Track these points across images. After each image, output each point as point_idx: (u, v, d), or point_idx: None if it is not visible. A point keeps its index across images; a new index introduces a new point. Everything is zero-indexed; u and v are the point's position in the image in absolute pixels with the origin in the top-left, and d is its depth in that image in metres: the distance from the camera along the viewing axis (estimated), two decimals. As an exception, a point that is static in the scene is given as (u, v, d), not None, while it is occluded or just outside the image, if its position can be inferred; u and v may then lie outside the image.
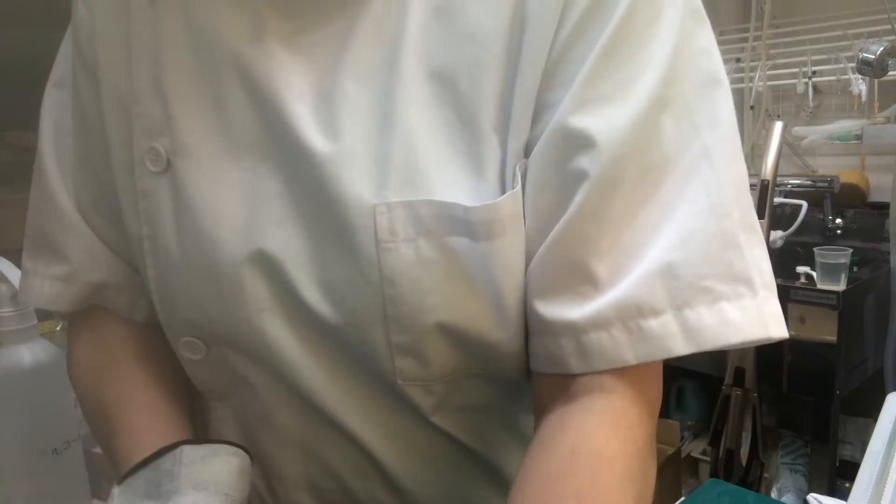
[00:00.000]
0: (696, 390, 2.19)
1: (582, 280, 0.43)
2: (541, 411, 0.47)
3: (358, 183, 0.45)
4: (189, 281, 0.51)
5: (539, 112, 0.44)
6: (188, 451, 0.48)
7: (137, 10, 0.52)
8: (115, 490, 0.48)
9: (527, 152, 0.45)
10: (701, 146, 0.43)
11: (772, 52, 2.17)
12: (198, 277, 0.51)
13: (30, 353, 0.73)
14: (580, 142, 0.42)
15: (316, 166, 0.46)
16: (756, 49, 2.18)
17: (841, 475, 1.81)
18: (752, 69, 2.19)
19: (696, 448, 2.15)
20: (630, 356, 0.42)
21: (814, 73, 2.09)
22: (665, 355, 0.42)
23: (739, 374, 1.84)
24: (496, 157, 0.45)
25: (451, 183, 0.45)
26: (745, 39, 2.20)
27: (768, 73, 2.18)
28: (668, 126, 0.43)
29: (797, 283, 1.76)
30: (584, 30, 0.43)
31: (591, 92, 0.43)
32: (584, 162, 0.42)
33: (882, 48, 1.78)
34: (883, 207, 1.93)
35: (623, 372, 0.44)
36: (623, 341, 0.42)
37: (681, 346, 0.42)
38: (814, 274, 1.74)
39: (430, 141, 0.45)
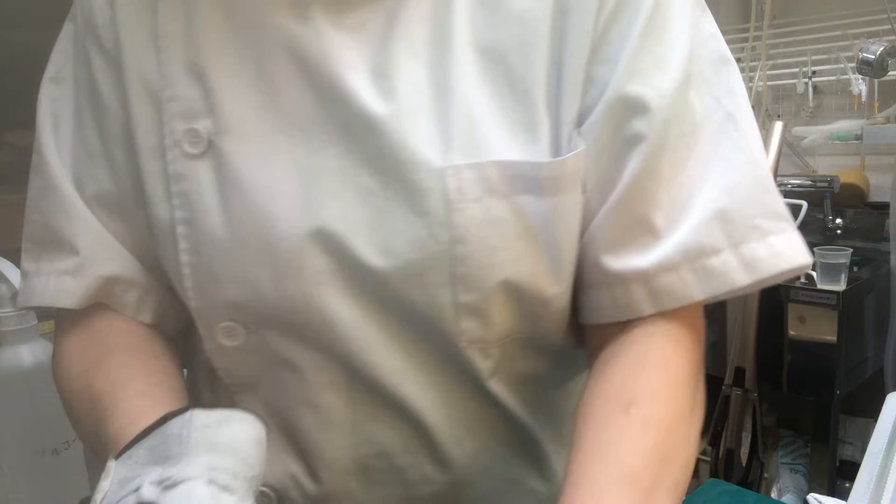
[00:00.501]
0: (696, 390, 2.19)
1: (644, 232, 0.49)
2: (600, 349, 0.52)
3: (425, 147, 0.48)
4: (238, 260, 0.51)
5: (586, 86, 0.50)
6: (199, 414, 0.43)
7: None
8: (111, 463, 0.42)
9: (579, 122, 0.50)
10: (724, 112, 0.51)
11: (772, 51, 2.17)
12: (250, 256, 0.50)
13: (30, 353, 0.74)
14: (636, 107, 0.48)
15: (380, 134, 0.48)
16: (756, 49, 2.18)
17: (841, 475, 1.81)
18: (752, 69, 2.19)
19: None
20: (698, 293, 0.48)
21: (814, 72, 2.09)
22: (728, 288, 0.48)
23: (739, 374, 1.84)
24: (547, 125, 0.50)
25: (509, 147, 0.49)
26: (745, 39, 2.20)
27: (768, 72, 2.18)
28: (694, 97, 0.50)
29: (797, 283, 1.76)
30: (619, 14, 0.50)
31: (638, 65, 0.49)
32: (640, 125, 0.48)
33: (882, 48, 1.78)
34: (883, 207, 1.93)
35: (677, 308, 0.49)
36: (690, 281, 0.48)
37: (742, 278, 0.48)
38: (814, 274, 1.74)
39: (486, 109, 0.49)
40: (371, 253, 0.49)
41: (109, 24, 0.54)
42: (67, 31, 0.58)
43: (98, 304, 0.56)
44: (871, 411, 0.89)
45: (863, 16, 1.98)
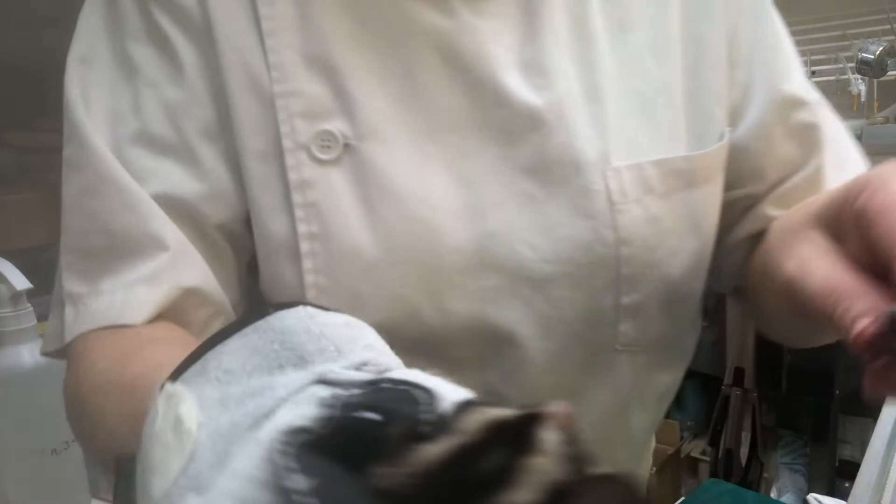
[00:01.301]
0: (696, 390, 2.19)
1: (818, 190, 0.54)
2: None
3: (588, 148, 0.47)
4: (388, 279, 0.45)
5: (730, 88, 0.53)
6: (315, 311, 0.29)
7: None
8: (172, 388, 0.27)
9: (730, 120, 0.53)
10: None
11: (771, 52, 2.17)
12: (405, 274, 0.45)
13: (30, 353, 0.73)
14: (797, 102, 0.54)
15: (542, 135, 0.46)
16: (756, 49, 2.18)
17: (841, 475, 1.81)
18: (752, 69, 2.19)
19: (696, 448, 2.15)
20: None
21: (813, 73, 2.09)
22: None
23: (739, 373, 1.84)
24: (683, 117, 0.51)
25: (658, 144, 0.49)
26: (745, 39, 2.20)
27: (768, 73, 2.18)
28: None
29: (797, 283, 1.76)
30: (743, 18, 0.54)
31: (778, 66, 0.55)
32: (807, 116, 0.54)
33: (881, 48, 1.78)
34: (882, 207, 1.93)
35: None
36: None
37: None
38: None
39: (630, 106, 0.49)
40: (538, 261, 0.47)
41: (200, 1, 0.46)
42: (95, 4, 0.49)
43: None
44: (871, 411, 0.89)
45: (862, 16, 1.98)
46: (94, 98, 0.47)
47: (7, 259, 0.75)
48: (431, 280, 0.45)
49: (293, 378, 0.25)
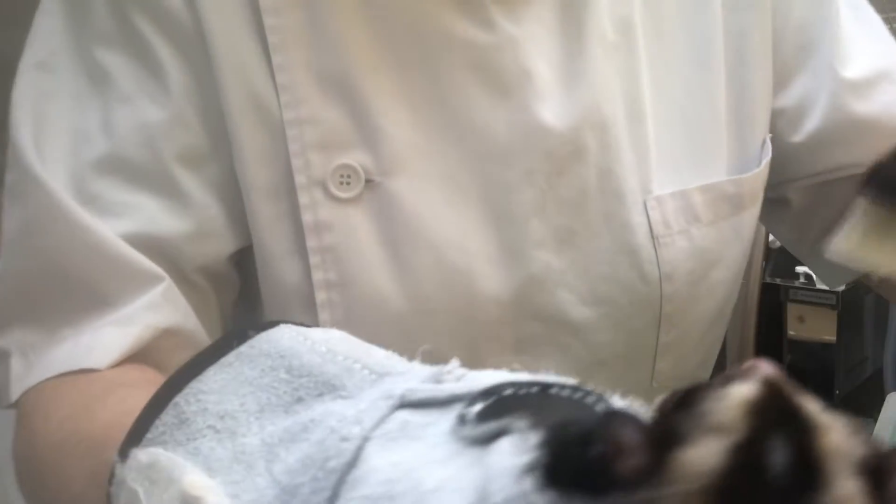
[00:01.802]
0: (696, 390, 2.20)
1: None
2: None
3: (629, 176, 0.43)
4: (416, 331, 0.40)
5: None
6: (304, 329, 0.26)
7: None
8: (140, 456, 0.22)
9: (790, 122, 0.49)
10: None
11: (771, 52, 2.17)
12: (436, 325, 0.40)
13: (30, 353, 0.73)
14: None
15: (586, 163, 0.42)
16: (756, 49, 2.17)
17: (840, 475, 1.81)
18: (752, 69, 2.19)
19: (696, 448, 2.15)
20: None
21: (813, 73, 2.09)
22: None
23: (739, 373, 1.84)
24: (725, 138, 0.47)
25: (704, 163, 0.46)
26: (745, 39, 2.20)
27: (768, 73, 2.18)
28: None
29: (796, 283, 1.76)
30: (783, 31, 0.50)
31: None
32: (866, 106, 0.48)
33: (882, 48, 1.78)
34: (883, 207, 1.93)
35: None
36: None
37: None
38: (813, 274, 1.74)
39: (671, 126, 0.45)
40: (578, 304, 0.43)
41: (189, 4, 0.38)
42: (53, 3, 0.42)
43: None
44: (871, 411, 0.89)
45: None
46: (52, 113, 0.40)
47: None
48: (465, 332, 0.41)
49: (343, 407, 0.20)
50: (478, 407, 0.19)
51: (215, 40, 0.38)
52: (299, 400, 0.21)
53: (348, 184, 0.39)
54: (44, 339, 0.38)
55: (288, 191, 0.39)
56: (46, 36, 0.41)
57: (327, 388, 0.21)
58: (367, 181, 0.39)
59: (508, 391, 0.19)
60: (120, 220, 0.38)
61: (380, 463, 0.17)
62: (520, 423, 0.18)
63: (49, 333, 0.38)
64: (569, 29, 0.42)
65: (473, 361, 0.34)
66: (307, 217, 0.39)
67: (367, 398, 0.20)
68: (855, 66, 0.48)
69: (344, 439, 0.18)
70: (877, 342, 1.86)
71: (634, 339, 0.45)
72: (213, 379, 0.23)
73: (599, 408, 0.19)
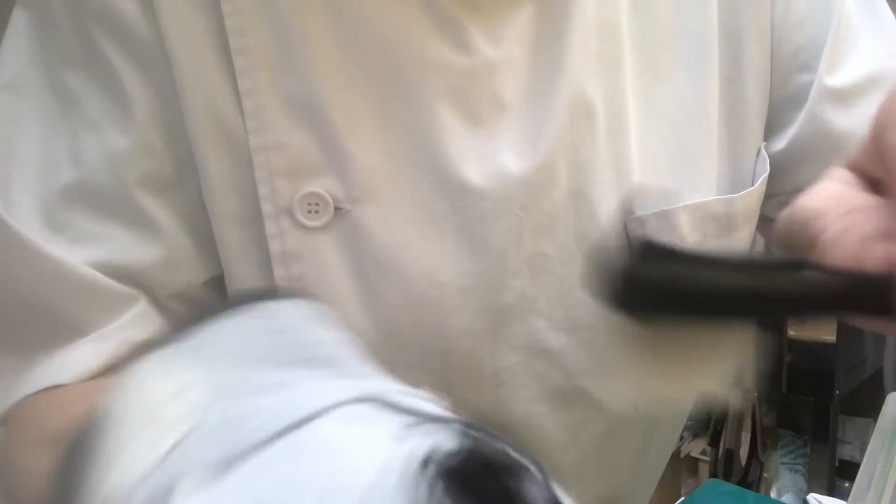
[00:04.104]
0: (696, 390, 2.20)
1: None
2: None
3: (607, 195, 0.40)
4: (387, 363, 0.35)
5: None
6: (309, 306, 0.27)
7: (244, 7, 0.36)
8: (155, 357, 0.24)
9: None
10: None
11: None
12: (408, 360, 0.39)
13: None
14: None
15: (559, 187, 0.39)
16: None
17: (841, 475, 1.81)
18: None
19: (696, 448, 2.15)
20: None
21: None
22: None
23: (738, 373, 1.84)
24: (715, 155, 0.44)
25: (692, 180, 0.43)
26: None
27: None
28: None
29: (797, 283, 1.76)
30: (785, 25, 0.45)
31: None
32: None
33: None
34: (883, 207, 1.93)
35: None
36: None
37: None
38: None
39: (658, 143, 0.42)
40: (552, 332, 0.41)
41: (140, 13, 0.36)
42: (21, 20, 0.39)
43: None
44: (871, 411, 0.89)
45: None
46: (19, 137, 0.38)
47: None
48: (438, 365, 0.39)
49: (332, 385, 0.21)
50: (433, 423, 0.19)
51: (179, 61, 0.36)
52: (298, 362, 0.22)
53: (317, 212, 0.38)
54: (19, 364, 0.37)
55: (255, 219, 0.38)
56: (14, 55, 0.39)
57: (324, 363, 0.22)
58: (337, 209, 0.38)
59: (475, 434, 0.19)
60: (89, 250, 0.37)
61: (323, 435, 0.18)
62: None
63: (24, 359, 0.37)
64: (549, 44, 0.40)
65: (450, 394, 0.33)
66: (275, 246, 0.37)
67: (346, 384, 0.20)
68: (845, 72, 0.44)
69: (307, 401, 0.19)
70: (877, 342, 1.85)
71: (615, 364, 0.42)
72: (226, 325, 0.23)
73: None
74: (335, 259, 0.38)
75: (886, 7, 0.46)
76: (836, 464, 1.81)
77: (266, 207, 0.37)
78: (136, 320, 0.37)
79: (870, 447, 0.72)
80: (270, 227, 0.37)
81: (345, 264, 0.38)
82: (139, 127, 0.37)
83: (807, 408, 2.05)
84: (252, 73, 0.36)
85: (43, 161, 0.38)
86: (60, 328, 0.37)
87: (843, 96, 0.44)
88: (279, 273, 0.38)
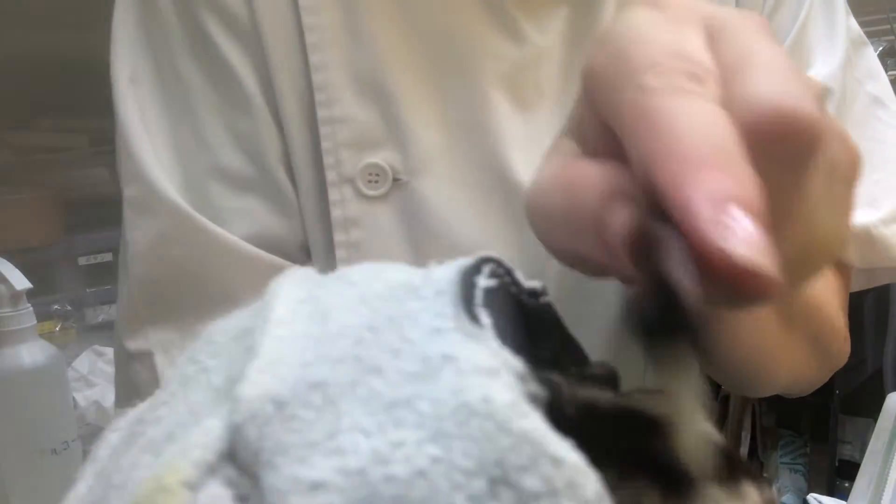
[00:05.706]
0: (696, 390, 2.19)
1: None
2: None
3: None
4: None
5: None
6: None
7: None
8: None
9: None
10: (867, 95, 0.49)
11: (771, 52, 2.17)
12: None
13: (29, 353, 0.74)
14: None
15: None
16: (756, 49, 2.18)
17: (841, 475, 1.81)
18: (752, 69, 2.19)
19: (696, 448, 2.15)
20: (857, 260, 0.48)
21: (813, 73, 2.09)
22: (888, 263, 0.48)
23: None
24: None
25: None
26: (745, 39, 2.20)
27: (768, 73, 2.18)
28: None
29: (797, 283, 1.76)
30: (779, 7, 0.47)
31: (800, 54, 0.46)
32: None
33: (881, 48, 1.78)
34: (882, 207, 1.93)
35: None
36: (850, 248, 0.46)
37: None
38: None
39: None
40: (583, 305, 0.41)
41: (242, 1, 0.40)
42: (126, 15, 0.43)
43: None
44: (871, 411, 0.89)
45: (862, 16, 1.97)
46: (153, 126, 0.42)
47: (7, 259, 0.75)
48: None
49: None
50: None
51: (270, 42, 0.40)
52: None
53: (376, 182, 0.40)
54: (182, 337, 0.41)
55: (321, 187, 0.41)
56: (127, 48, 0.42)
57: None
58: (395, 180, 0.40)
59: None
60: (234, 226, 0.41)
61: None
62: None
63: (186, 332, 0.40)
64: (582, 41, 0.42)
65: None
66: (336, 213, 0.40)
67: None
68: None
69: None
70: (877, 342, 1.86)
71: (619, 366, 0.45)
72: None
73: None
74: (392, 226, 0.41)
75: (843, 16, 0.49)
76: (836, 464, 1.81)
77: (330, 176, 0.40)
78: None
79: (870, 447, 0.72)
80: (333, 195, 0.40)
81: (400, 231, 0.41)
82: (256, 107, 0.41)
83: (807, 408, 2.05)
84: (323, 50, 0.40)
85: (175, 148, 0.41)
86: (221, 301, 0.38)
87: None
88: (339, 238, 0.40)
